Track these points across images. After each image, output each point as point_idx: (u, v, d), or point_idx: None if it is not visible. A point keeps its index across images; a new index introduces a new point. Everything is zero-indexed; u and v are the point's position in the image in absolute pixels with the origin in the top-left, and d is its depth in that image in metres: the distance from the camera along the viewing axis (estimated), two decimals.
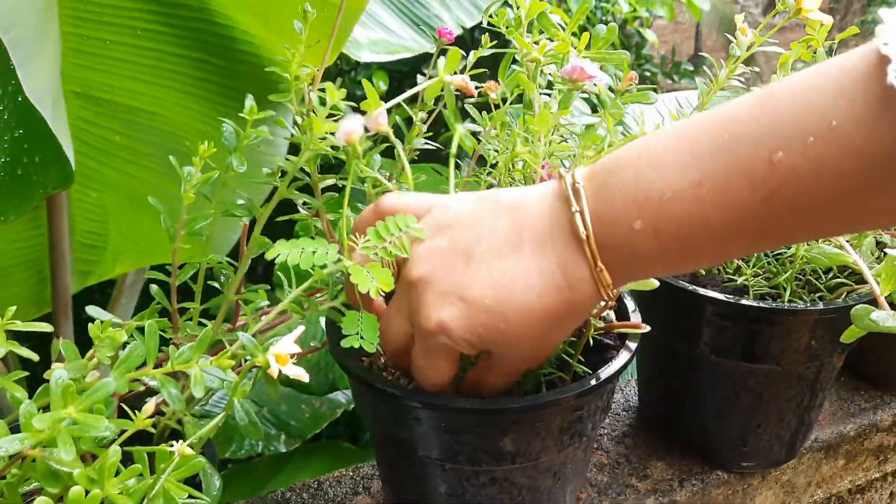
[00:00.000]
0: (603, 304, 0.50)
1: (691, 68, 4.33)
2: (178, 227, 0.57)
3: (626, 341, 0.59)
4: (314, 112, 0.55)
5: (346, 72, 2.36)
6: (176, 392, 0.48)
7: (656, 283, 0.57)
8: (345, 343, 0.51)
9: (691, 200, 0.42)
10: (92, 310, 0.54)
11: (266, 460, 1.56)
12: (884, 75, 0.36)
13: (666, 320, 0.71)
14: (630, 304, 0.63)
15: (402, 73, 2.36)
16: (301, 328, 0.50)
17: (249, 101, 0.57)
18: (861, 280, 0.68)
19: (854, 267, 0.65)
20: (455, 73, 0.57)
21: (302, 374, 0.48)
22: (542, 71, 0.73)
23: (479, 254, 0.48)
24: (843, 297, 0.68)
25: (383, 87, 2.30)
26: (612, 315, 0.61)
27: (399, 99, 0.59)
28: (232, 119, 0.61)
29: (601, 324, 0.58)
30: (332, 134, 0.53)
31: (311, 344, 0.99)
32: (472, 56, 0.70)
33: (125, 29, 1.07)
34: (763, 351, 0.67)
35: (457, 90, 0.59)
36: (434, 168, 1.44)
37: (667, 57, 4.34)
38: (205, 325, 0.59)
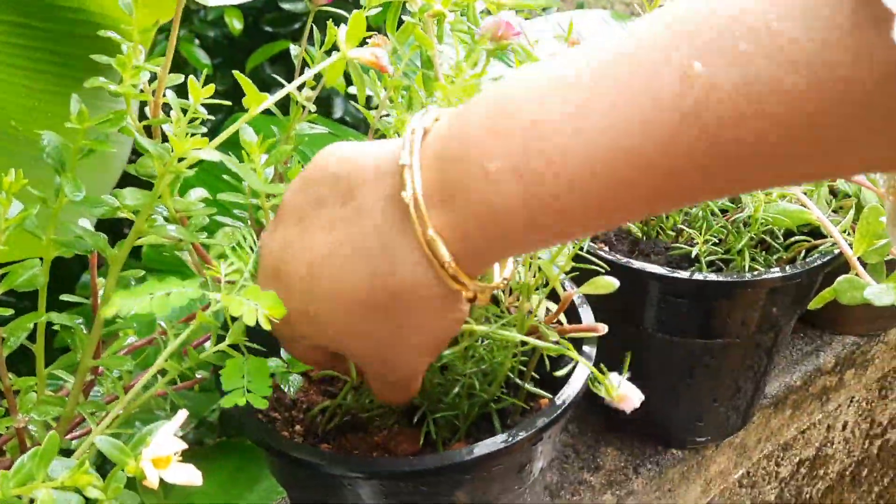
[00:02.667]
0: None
1: None
2: None
3: (583, 347, 0.50)
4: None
5: (194, 12, 2.13)
6: None
7: (616, 284, 0.47)
8: (225, 402, 0.41)
9: (571, 133, 0.29)
10: None
11: None
12: None
13: (607, 298, 0.62)
14: (576, 296, 0.53)
15: (256, 10, 2.15)
16: (183, 414, 0.38)
17: (76, 105, 0.42)
18: (818, 231, 0.61)
19: (815, 223, 0.58)
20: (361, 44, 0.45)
21: (194, 479, 0.36)
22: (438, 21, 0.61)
23: (307, 224, 0.37)
24: (801, 255, 0.61)
25: (238, 25, 2.09)
26: (562, 316, 0.51)
27: (291, 87, 0.46)
28: (70, 90, 0.46)
29: (554, 336, 0.48)
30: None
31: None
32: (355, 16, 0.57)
33: None
34: (721, 326, 0.60)
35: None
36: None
37: None
38: (54, 401, 0.45)
